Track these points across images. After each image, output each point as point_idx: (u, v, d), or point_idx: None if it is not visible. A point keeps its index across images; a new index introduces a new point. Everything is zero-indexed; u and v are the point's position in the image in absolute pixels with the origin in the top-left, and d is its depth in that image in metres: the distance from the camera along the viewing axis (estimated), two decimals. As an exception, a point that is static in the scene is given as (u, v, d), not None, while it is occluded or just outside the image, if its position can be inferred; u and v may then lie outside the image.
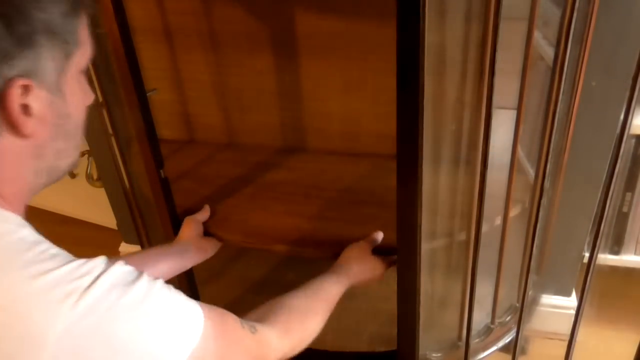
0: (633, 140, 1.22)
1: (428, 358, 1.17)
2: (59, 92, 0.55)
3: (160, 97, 1.24)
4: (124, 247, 1.71)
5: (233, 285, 1.42)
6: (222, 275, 1.45)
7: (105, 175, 1.57)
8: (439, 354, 1.18)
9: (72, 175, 1.98)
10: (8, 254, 0.51)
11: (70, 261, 0.52)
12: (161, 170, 1.07)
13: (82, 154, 1.94)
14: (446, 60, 0.92)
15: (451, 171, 1.04)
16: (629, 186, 1.28)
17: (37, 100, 0.53)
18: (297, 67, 1.23)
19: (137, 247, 1.44)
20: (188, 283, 1.19)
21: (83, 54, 0.58)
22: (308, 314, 0.84)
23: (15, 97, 0.51)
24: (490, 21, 0.79)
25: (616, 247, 1.37)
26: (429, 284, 1.07)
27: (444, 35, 0.88)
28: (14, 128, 0.52)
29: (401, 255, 0.95)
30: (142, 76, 0.98)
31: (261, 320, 0.74)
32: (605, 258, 1.36)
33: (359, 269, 0.99)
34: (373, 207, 1.16)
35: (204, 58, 1.27)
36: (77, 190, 1.96)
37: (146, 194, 1.16)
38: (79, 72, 0.58)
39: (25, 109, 0.52)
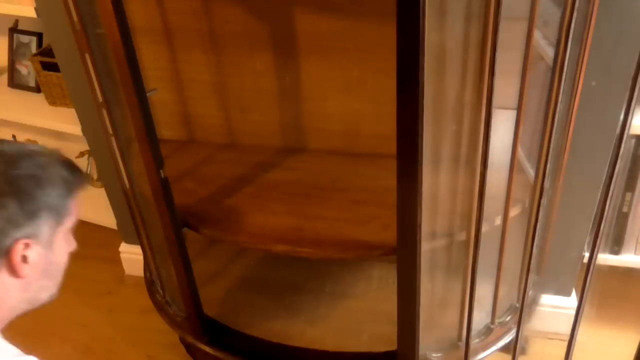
0: (633, 140, 1.22)
1: (428, 358, 1.17)
2: (50, 247, 0.76)
3: (160, 97, 1.24)
4: (124, 247, 1.71)
5: (233, 285, 1.42)
6: (222, 275, 1.45)
7: (105, 175, 1.57)
8: (439, 354, 1.18)
9: (72, 175, 1.98)
10: None
11: None
12: (161, 170, 1.07)
13: (82, 154, 1.94)
14: (446, 60, 0.92)
15: (451, 171, 1.04)
16: (629, 186, 1.28)
17: (33, 252, 0.73)
18: (297, 67, 1.23)
19: (137, 247, 1.44)
20: (188, 283, 1.19)
21: (71, 219, 0.79)
22: None
23: (18, 251, 0.72)
24: (490, 21, 0.79)
25: (616, 247, 1.37)
26: (429, 284, 1.07)
27: (444, 35, 0.88)
28: (12, 272, 0.73)
29: (401, 255, 0.95)
30: (142, 76, 0.98)
31: None
32: (605, 258, 1.36)
33: None
34: (373, 207, 1.16)
35: (204, 58, 1.27)
36: (77, 190, 1.96)
37: (146, 194, 1.16)
38: (67, 231, 0.79)
39: (24, 258, 0.72)
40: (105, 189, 1.60)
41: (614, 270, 1.38)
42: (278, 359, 1.27)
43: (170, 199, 1.11)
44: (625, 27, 1.01)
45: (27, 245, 0.72)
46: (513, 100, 0.93)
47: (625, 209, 1.31)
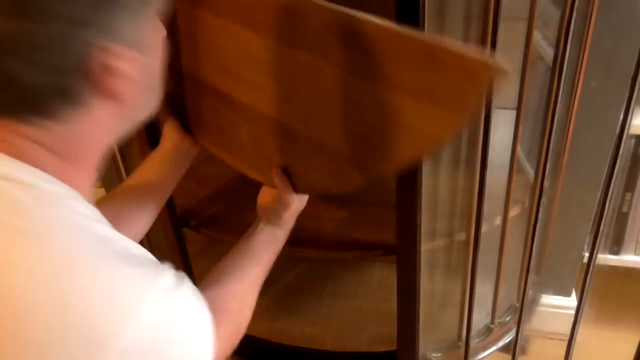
0: (633, 140, 1.22)
1: (428, 358, 1.17)
2: (141, 47, 0.54)
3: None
4: (124, 247, 1.71)
5: (233, 285, 1.42)
6: (222, 275, 1.45)
7: (105, 175, 1.57)
8: (439, 354, 1.18)
9: (72, 175, 1.98)
10: (81, 253, 0.48)
11: (140, 264, 0.52)
12: (161, 171, 1.07)
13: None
14: (446, 60, 0.91)
15: (451, 171, 1.04)
16: (629, 186, 1.28)
17: (122, 59, 0.51)
18: (297, 67, 1.23)
19: (137, 247, 1.44)
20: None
21: (156, 1, 0.56)
22: (253, 293, 0.83)
23: (100, 61, 0.50)
24: (490, 21, 0.79)
25: (616, 247, 1.37)
26: (429, 284, 1.07)
27: (444, 36, 0.88)
28: (103, 92, 0.52)
29: (401, 255, 0.95)
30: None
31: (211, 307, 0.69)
32: (605, 258, 1.36)
33: (286, 218, 0.86)
34: (373, 207, 1.16)
35: (204, 58, 1.27)
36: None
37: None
38: (154, 19, 0.56)
39: (112, 70, 0.51)
40: (105, 189, 1.60)
41: (613, 270, 1.38)
42: (278, 359, 1.27)
43: (170, 199, 1.11)
44: (625, 27, 1.01)
45: (109, 50, 0.50)
46: (513, 100, 0.93)
47: (625, 209, 1.31)
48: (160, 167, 0.92)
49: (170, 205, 1.11)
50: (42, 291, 0.46)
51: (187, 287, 0.56)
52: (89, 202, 0.55)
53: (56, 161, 0.52)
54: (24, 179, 0.50)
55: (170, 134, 0.95)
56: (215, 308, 0.62)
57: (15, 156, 0.50)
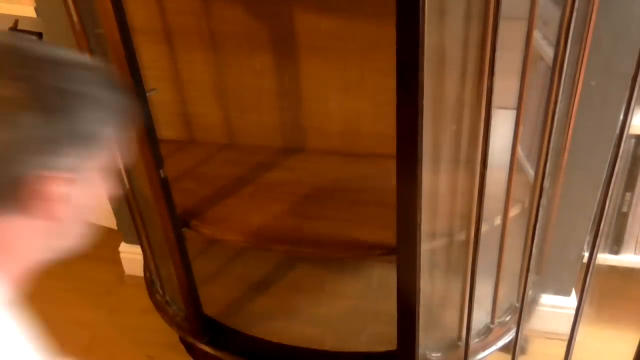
0: (632, 140, 1.22)
1: (428, 358, 1.17)
2: (89, 184, 0.60)
3: (160, 97, 1.24)
4: (124, 247, 1.71)
5: (233, 285, 1.42)
6: (222, 275, 1.45)
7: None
8: (438, 354, 1.18)
9: (72, 175, 1.98)
10: None
11: None
12: (161, 170, 1.07)
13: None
14: (446, 60, 0.92)
15: (451, 171, 1.04)
16: (629, 186, 1.28)
17: (70, 190, 0.57)
18: (297, 67, 1.23)
19: (137, 247, 1.44)
20: (188, 283, 1.19)
21: (105, 155, 0.62)
22: None
23: (53, 185, 0.55)
24: (490, 21, 0.79)
25: (616, 246, 1.37)
26: (429, 284, 1.08)
27: (444, 35, 0.88)
28: (45, 211, 0.56)
29: (401, 255, 0.95)
30: (142, 76, 0.98)
31: None
32: (605, 258, 1.36)
33: None
34: (373, 207, 1.16)
35: (204, 58, 1.27)
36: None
37: (146, 194, 1.16)
38: (101, 169, 0.62)
39: (58, 196, 0.56)
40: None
41: (613, 270, 1.38)
42: (278, 359, 1.27)
43: (170, 199, 1.11)
44: (625, 27, 1.01)
45: (63, 180, 0.56)
46: (513, 100, 0.93)
47: (625, 209, 1.31)
48: None
49: (170, 205, 1.11)
50: None
51: None
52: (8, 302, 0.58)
53: None
54: None
55: None
56: None
57: None
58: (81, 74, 0.58)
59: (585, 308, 0.93)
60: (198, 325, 1.26)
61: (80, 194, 0.59)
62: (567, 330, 0.97)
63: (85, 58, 0.62)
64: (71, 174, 0.57)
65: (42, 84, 0.54)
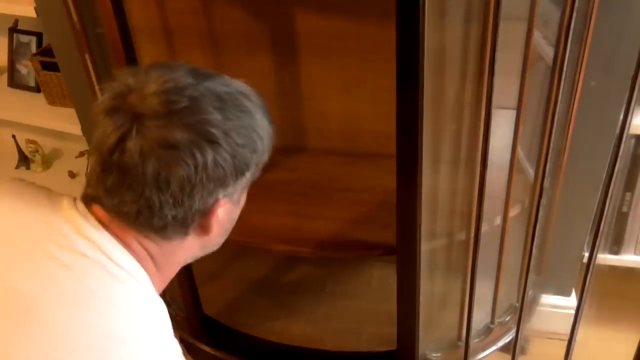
0: (633, 140, 1.22)
1: (428, 358, 1.17)
2: (238, 204, 0.70)
3: (160, 97, 1.24)
4: (124, 247, 1.71)
5: (233, 285, 1.42)
6: (222, 275, 1.45)
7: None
8: (438, 354, 1.18)
9: (72, 175, 1.98)
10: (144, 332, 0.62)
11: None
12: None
13: (82, 154, 1.94)
14: (446, 60, 0.92)
15: (451, 171, 1.04)
16: (629, 186, 1.28)
17: (225, 211, 0.67)
18: (297, 67, 1.23)
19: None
20: (188, 283, 1.19)
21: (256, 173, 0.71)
22: None
23: (217, 211, 0.65)
24: (490, 21, 0.79)
25: (616, 247, 1.37)
26: (429, 284, 1.08)
27: (444, 35, 0.88)
28: (203, 230, 0.67)
29: (401, 255, 0.95)
30: (142, 76, 0.98)
31: None
32: (605, 258, 1.36)
33: None
34: (373, 207, 1.16)
35: (204, 58, 1.27)
36: (77, 190, 1.95)
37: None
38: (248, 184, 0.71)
39: (218, 218, 0.67)
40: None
41: (613, 270, 1.38)
42: (278, 359, 1.27)
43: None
44: (625, 27, 1.01)
45: (224, 204, 0.66)
46: (513, 100, 0.93)
47: (625, 209, 1.31)
48: None
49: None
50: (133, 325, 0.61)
51: None
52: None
53: (151, 265, 0.68)
54: (128, 268, 0.64)
55: None
56: None
57: (127, 250, 0.65)
58: (248, 104, 0.68)
59: (585, 308, 0.93)
60: (198, 325, 1.26)
61: (234, 211, 0.70)
62: (567, 330, 0.97)
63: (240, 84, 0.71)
64: (231, 199, 0.67)
65: (227, 123, 0.62)
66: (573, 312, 0.94)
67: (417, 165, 0.84)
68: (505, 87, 0.86)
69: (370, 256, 1.36)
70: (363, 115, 1.25)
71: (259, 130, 0.66)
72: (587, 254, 1.28)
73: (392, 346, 1.09)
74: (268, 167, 1.30)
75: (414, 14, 0.72)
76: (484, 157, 0.89)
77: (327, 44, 1.18)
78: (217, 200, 0.64)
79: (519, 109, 0.93)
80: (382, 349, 1.19)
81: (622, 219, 1.32)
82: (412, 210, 0.89)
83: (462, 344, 1.14)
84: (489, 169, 0.90)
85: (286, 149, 1.35)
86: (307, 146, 1.35)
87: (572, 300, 1.40)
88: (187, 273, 1.18)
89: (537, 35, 0.90)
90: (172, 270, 0.72)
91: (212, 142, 0.60)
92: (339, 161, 1.30)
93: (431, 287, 1.10)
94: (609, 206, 0.82)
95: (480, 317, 1.18)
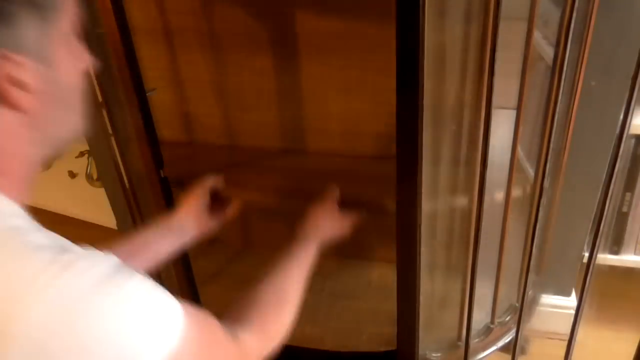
0: (633, 140, 1.22)
1: (428, 358, 1.17)
2: (48, 60, 0.54)
3: (160, 97, 1.24)
4: (124, 247, 1.71)
5: (233, 286, 1.42)
6: (222, 276, 1.45)
7: (105, 175, 1.57)
8: (438, 354, 1.18)
9: (72, 175, 1.98)
10: None
11: (49, 252, 0.49)
12: (161, 170, 1.07)
13: (82, 154, 1.94)
14: (446, 60, 0.92)
15: (451, 171, 1.04)
16: (629, 186, 1.28)
17: (24, 71, 0.52)
18: (297, 67, 1.23)
19: (137, 247, 1.44)
20: (188, 283, 1.19)
21: (67, 18, 0.56)
22: (282, 305, 0.82)
23: (1, 71, 0.50)
24: (490, 21, 0.79)
25: (616, 247, 1.37)
26: (429, 284, 1.08)
27: (444, 35, 0.88)
28: (6, 102, 0.52)
29: (401, 255, 0.95)
30: (142, 76, 0.98)
31: (237, 322, 0.72)
32: (605, 258, 1.36)
33: (327, 226, 0.97)
34: (373, 208, 1.16)
35: (204, 58, 1.27)
36: (77, 190, 1.96)
37: (146, 194, 1.16)
38: (66, 37, 0.56)
39: (14, 81, 0.52)
40: (105, 189, 1.60)
41: (613, 270, 1.38)
42: (278, 359, 1.27)
43: (170, 199, 1.11)
44: (625, 27, 1.01)
45: (10, 61, 0.51)
46: (513, 100, 0.93)
47: (625, 209, 1.31)
48: (176, 239, 0.97)
49: (170, 205, 1.11)
50: None
51: (117, 275, 0.52)
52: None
53: None
54: None
55: (190, 206, 0.99)
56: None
57: None
58: None
59: (585, 308, 0.93)
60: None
61: (50, 73, 0.55)
62: (567, 330, 0.97)
63: None
64: (34, 58, 0.53)
65: None
66: (573, 312, 0.94)
67: (417, 165, 0.84)
68: (505, 87, 0.86)
69: (371, 256, 1.36)
70: (363, 115, 1.25)
71: None
72: (587, 254, 1.28)
73: (392, 346, 1.09)
74: (268, 168, 1.31)
75: (414, 14, 0.72)
76: (484, 157, 0.89)
77: (327, 44, 1.18)
78: (3, 58, 0.50)
79: (519, 109, 0.93)
80: (382, 349, 1.19)
81: (622, 219, 1.32)
82: (412, 210, 0.89)
83: (462, 344, 1.14)
84: (489, 169, 0.90)
85: (286, 149, 1.35)
86: (307, 146, 1.35)
87: (572, 300, 1.40)
88: (187, 273, 1.18)
89: (537, 35, 0.90)
90: (14, 164, 0.56)
91: None
92: (338, 161, 1.30)
93: (431, 287, 1.10)
94: (609, 206, 0.82)
95: (480, 317, 1.18)
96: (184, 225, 0.98)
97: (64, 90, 0.57)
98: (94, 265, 0.50)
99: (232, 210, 1.05)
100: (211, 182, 1.04)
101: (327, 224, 0.98)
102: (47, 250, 0.50)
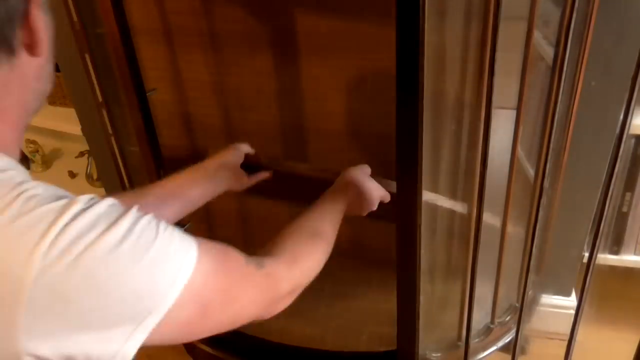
0: (633, 140, 1.22)
1: (428, 358, 1.17)
2: (47, 11, 0.56)
3: (160, 97, 1.24)
4: (124, 247, 1.71)
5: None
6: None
7: (105, 175, 1.57)
8: (438, 354, 1.18)
9: (72, 175, 1.98)
10: None
11: (52, 201, 0.50)
12: (161, 170, 1.07)
13: (82, 154, 1.94)
14: (446, 60, 0.92)
15: (451, 171, 1.04)
16: (629, 186, 1.28)
17: (40, 19, 0.54)
18: (297, 67, 1.23)
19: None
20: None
21: None
22: (316, 241, 0.80)
23: (36, 13, 0.53)
24: (490, 21, 0.79)
25: (616, 247, 1.37)
26: (429, 284, 1.08)
27: (444, 35, 0.88)
28: (31, 47, 0.54)
29: (401, 255, 0.95)
30: (142, 76, 0.98)
31: (268, 254, 0.71)
32: (605, 258, 1.36)
33: (357, 193, 0.95)
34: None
35: (204, 58, 1.27)
36: (77, 190, 1.95)
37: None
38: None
39: (33, 26, 0.53)
40: (105, 189, 1.60)
41: (613, 270, 1.38)
42: (278, 359, 1.27)
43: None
44: (625, 27, 1.01)
45: (37, 6, 0.54)
46: (513, 100, 0.93)
47: (625, 209, 1.31)
48: (210, 183, 0.96)
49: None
50: None
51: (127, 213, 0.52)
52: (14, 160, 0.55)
53: None
54: None
55: (228, 157, 0.99)
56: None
57: None
58: None
59: (585, 308, 0.93)
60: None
61: (48, 24, 0.56)
62: (567, 330, 0.97)
63: None
64: (44, 10, 0.55)
65: None
66: (573, 312, 0.94)
67: (417, 165, 0.84)
68: (505, 87, 0.86)
69: (371, 257, 1.37)
70: (363, 115, 1.25)
71: None
72: (587, 254, 1.28)
73: (392, 346, 1.09)
74: (268, 167, 1.31)
75: (414, 14, 0.72)
76: (484, 157, 0.89)
77: (327, 44, 1.18)
78: (33, 4, 0.53)
79: (519, 109, 0.94)
80: (382, 349, 1.19)
81: (622, 219, 1.32)
82: (412, 211, 0.89)
83: (462, 344, 1.14)
84: (489, 169, 0.90)
85: (286, 149, 1.35)
86: (307, 146, 1.35)
87: (572, 300, 1.40)
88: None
89: (537, 35, 0.90)
90: (19, 112, 0.57)
91: None
92: (338, 161, 1.30)
93: (431, 287, 1.10)
94: (609, 206, 0.82)
95: (480, 317, 1.18)
96: (219, 174, 0.97)
97: (51, 44, 0.58)
98: (97, 209, 0.51)
99: (264, 174, 1.05)
100: (245, 147, 1.04)
101: (358, 192, 0.95)
102: (50, 201, 0.50)
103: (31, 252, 0.47)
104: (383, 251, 1.07)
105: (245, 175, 1.02)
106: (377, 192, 0.97)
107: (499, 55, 0.80)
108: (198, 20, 1.22)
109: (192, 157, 1.37)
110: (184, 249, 0.54)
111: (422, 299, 1.00)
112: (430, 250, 1.04)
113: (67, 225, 0.48)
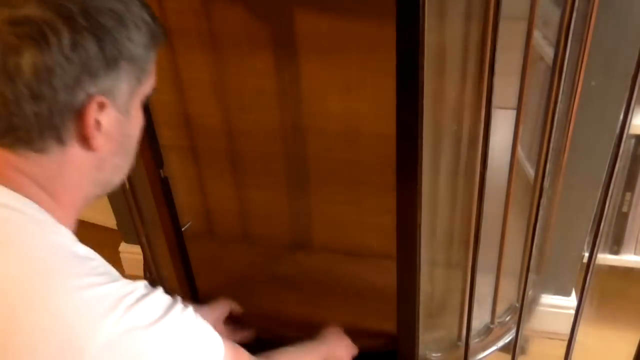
0: (633, 140, 1.22)
1: (428, 358, 1.17)
2: (127, 113, 0.61)
3: (160, 97, 1.24)
4: (124, 247, 1.71)
5: (232, 283, 1.42)
6: (221, 272, 1.45)
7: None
8: (438, 354, 1.18)
9: (72, 175, 1.98)
10: (61, 265, 0.55)
11: (116, 280, 0.57)
12: (161, 170, 1.07)
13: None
14: (446, 60, 0.92)
15: (451, 171, 1.04)
16: (629, 186, 1.28)
17: (108, 117, 0.59)
18: (297, 67, 1.23)
19: (137, 247, 1.44)
20: (188, 283, 1.19)
21: (149, 82, 0.64)
22: None
23: (92, 111, 0.56)
24: (490, 21, 0.79)
25: (616, 246, 1.37)
26: (429, 284, 1.08)
27: (444, 35, 0.88)
28: (84, 140, 0.58)
29: (401, 254, 0.95)
30: (142, 76, 0.98)
31: None
32: (605, 258, 1.36)
33: (336, 342, 1.07)
34: (373, 208, 1.16)
35: (204, 58, 1.27)
36: (77, 190, 1.95)
37: (146, 194, 1.16)
38: (143, 98, 0.64)
39: (97, 124, 0.58)
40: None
41: (613, 270, 1.38)
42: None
43: (170, 199, 1.11)
44: (625, 27, 1.01)
45: (101, 106, 0.57)
46: (513, 100, 0.93)
47: (625, 209, 1.31)
48: None
49: (170, 205, 1.11)
50: (20, 297, 0.52)
51: (175, 308, 0.61)
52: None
53: (40, 193, 0.58)
54: (10, 204, 0.56)
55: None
56: None
57: (4, 184, 0.57)
58: None
59: (585, 308, 0.93)
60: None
61: (125, 121, 0.61)
62: (567, 330, 0.97)
63: None
64: (119, 109, 0.59)
65: (90, 5, 0.55)
66: (573, 312, 0.94)
67: (417, 165, 0.84)
68: (505, 87, 0.86)
69: (372, 259, 1.37)
70: (363, 115, 1.25)
71: (132, 18, 0.58)
72: (587, 254, 1.28)
73: (392, 346, 1.09)
74: (268, 168, 1.31)
75: (414, 14, 0.72)
76: (484, 157, 0.89)
77: (327, 44, 1.18)
78: (89, 97, 0.56)
79: (519, 109, 0.94)
80: (382, 349, 1.19)
81: (622, 219, 1.32)
82: (412, 210, 0.89)
83: (462, 344, 1.14)
84: (489, 169, 0.90)
85: (285, 149, 1.35)
86: (307, 146, 1.35)
87: (572, 300, 1.40)
88: (187, 273, 1.18)
89: (537, 35, 0.90)
90: (72, 197, 0.61)
91: (68, 17, 0.53)
92: (338, 161, 1.30)
93: (431, 287, 1.10)
94: (609, 206, 0.82)
95: (480, 317, 1.18)
96: None
97: (129, 141, 0.65)
98: (156, 299, 0.59)
99: (247, 333, 1.13)
100: (228, 304, 1.12)
101: (337, 342, 1.07)
102: (110, 280, 0.57)
103: (98, 324, 0.52)
104: (383, 250, 1.07)
105: (226, 331, 1.09)
106: (350, 349, 1.09)
107: (499, 55, 0.80)
108: (198, 20, 1.22)
109: (192, 156, 1.37)
110: (216, 345, 0.65)
111: (422, 298, 1.00)
112: (430, 250, 1.04)
113: (133, 305, 0.55)
